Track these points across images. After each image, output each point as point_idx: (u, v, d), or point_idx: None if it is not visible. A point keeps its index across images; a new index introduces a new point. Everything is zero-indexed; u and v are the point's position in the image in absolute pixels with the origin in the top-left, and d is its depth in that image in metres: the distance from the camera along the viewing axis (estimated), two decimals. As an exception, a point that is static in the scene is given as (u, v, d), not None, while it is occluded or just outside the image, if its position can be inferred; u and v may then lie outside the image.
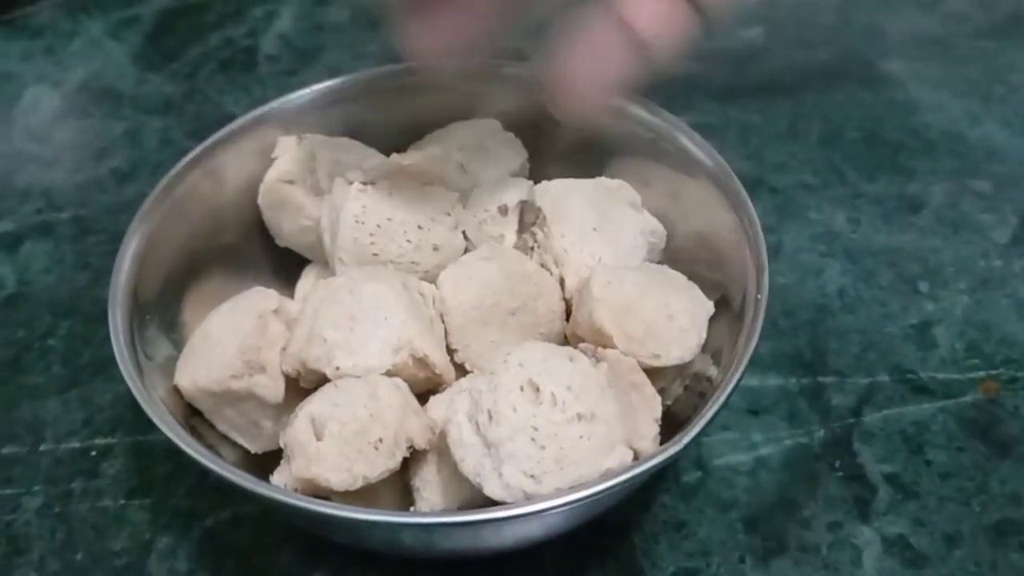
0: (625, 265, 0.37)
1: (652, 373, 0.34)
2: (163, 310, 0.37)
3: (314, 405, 0.32)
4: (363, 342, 0.33)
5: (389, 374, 0.33)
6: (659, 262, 0.40)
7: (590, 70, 0.33)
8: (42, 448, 0.41)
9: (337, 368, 0.33)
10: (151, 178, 0.39)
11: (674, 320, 0.34)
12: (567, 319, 0.37)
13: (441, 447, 0.33)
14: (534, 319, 0.36)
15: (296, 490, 0.32)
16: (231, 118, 0.41)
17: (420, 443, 0.32)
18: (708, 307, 0.35)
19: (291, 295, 0.40)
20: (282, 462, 0.33)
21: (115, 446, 0.41)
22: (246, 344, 0.34)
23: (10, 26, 0.62)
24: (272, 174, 0.40)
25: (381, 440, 0.31)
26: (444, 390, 0.35)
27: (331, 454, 0.31)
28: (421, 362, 0.34)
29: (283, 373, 0.34)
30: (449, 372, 0.35)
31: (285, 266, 0.41)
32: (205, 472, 0.31)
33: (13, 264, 0.48)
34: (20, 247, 0.49)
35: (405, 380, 0.33)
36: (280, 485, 0.32)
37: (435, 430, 0.33)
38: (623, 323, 0.34)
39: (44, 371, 0.44)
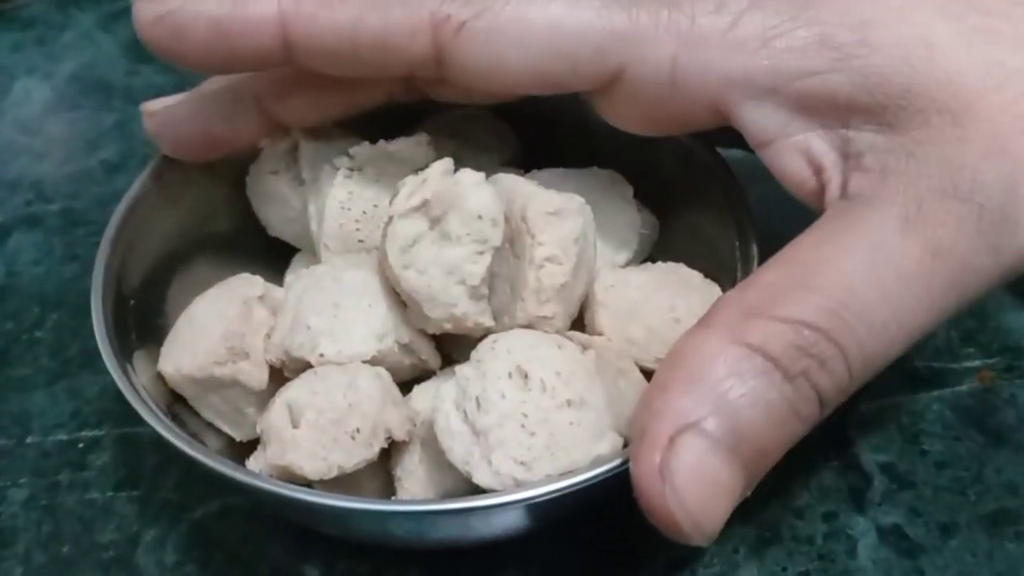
0: (632, 266, 0.37)
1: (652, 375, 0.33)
2: (149, 297, 0.37)
3: (292, 392, 0.32)
4: (347, 329, 0.33)
5: (374, 361, 0.33)
6: (651, 254, 0.40)
7: (691, 489, 0.26)
8: (29, 440, 0.41)
9: (321, 355, 0.32)
10: (141, 170, 0.39)
11: (680, 323, 0.34)
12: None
13: (424, 437, 0.32)
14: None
15: (271, 477, 0.31)
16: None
17: (399, 435, 0.31)
18: None
19: (281, 284, 0.40)
20: (258, 448, 0.33)
21: (102, 438, 0.40)
22: (230, 330, 0.33)
23: (0, 18, 0.61)
24: (256, 165, 0.39)
25: (358, 430, 0.31)
26: (430, 379, 0.34)
27: (306, 442, 0.31)
28: (406, 349, 0.33)
29: (267, 363, 0.34)
30: (435, 359, 0.34)
31: (277, 254, 0.41)
32: (193, 464, 0.31)
33: (1, 256, 0.48)
34: (8, 239, 0.49)
35: (390, 368, 0.33)
36: (255, 471, 0.32)
37: (416, 421, 0.32)
38: (624, 328, 0.34)
39: (31, 363, 0.43)
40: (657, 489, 0.26)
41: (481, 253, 0.32)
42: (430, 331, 0.33)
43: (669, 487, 0.26)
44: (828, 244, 0.27)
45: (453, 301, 0.32)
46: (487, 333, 0.32)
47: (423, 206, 0.32)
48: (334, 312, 0.33)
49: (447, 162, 0.33)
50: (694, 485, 0.26)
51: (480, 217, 0.31)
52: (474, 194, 0.32)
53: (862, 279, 0.26)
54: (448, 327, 0.33)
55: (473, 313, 0.32)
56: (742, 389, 0.26)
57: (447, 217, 0.32)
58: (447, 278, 0.32)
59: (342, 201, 0.36)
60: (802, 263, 0.27)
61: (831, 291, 0.26)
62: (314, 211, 0.37)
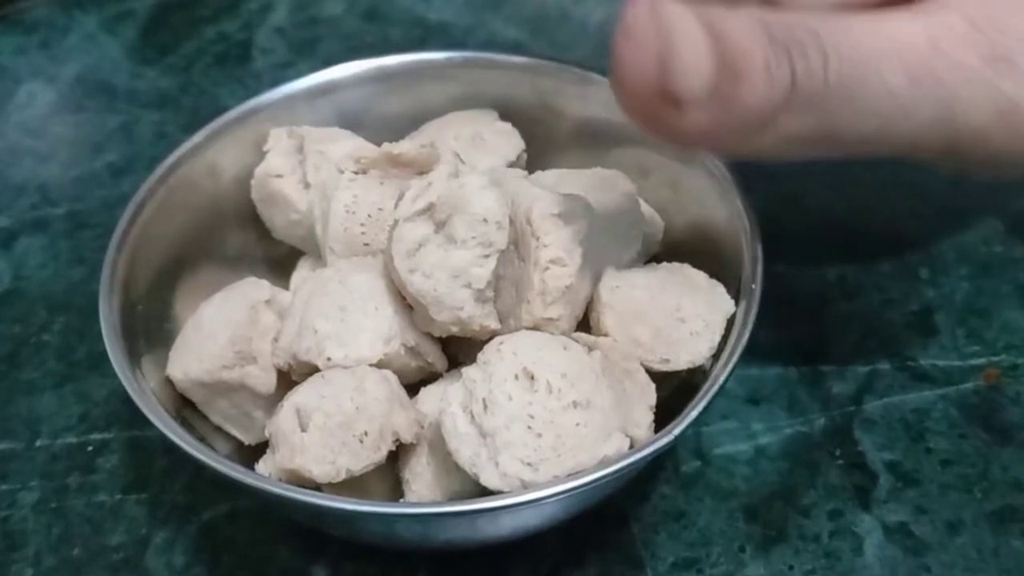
0: (637, 266, 0.37)
1: (659, 377, 0.34)
2: (156, 301, 0.37)
3: (300, 396, 0.32)
4: (354, 333, 0.33)
5: (381, 364, 0.33)
6: (657, 253, 0.40)
7: (645, 60, 0.27)
8: (38, 443, 0.41)
9: (328, 359, 0.32)
10: (146, 172, 0.39)
11: (685, 324, 0.34)
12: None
13: (431, 439, 0.32)
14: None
15: (280, 480, 0.31)
16: (226, 111, 0.41)
17: (406, 437, 0.32)
18: (727, 308, 0.35)
19: (287, 287, 0.40)
20: (267, 451, 0.33)
21: (111, 441, 0.41)
22: (237, 335, 0.34)
23: (4, 21, 0.61)
24: (261, 168, 0.39)
25: (366, 433, 0.31)
26: (437, 381, 0.35)
27: (315, 446, 0.31)
28: (413, 351, 0.33)
29: (274, 366, 0.34)
30: (441, 361, 0.35)
31: (281, 258, 0.41)
32: (202, 467, 0.31)
33: (8, 259, 0.48)
34: (15, 242, 0.49)
35: (397, 370, 0.33)
36: (264, 474, 0.32)
37: (423, 423, 0.33)
38: (630, 328, 0.34)
39: (39, 366, 0.43)
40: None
41: (486, 256, 0.32)
42: (436, 334, 0.33)
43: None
44: (867, 14, 0.29)
45: (459, 304, 0.32)
46: (493, 335, 0.33)
47: (428, 209, 0.32)
48: (341, 316, 0.33)
49: (452, 165, 0.34)
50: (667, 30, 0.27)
51: (485, 220, 0.32)
52: (479, 197, 0.32)
53: (869, 32, 0.28)
54: (454, 330, 0.33)
55: (479, 316, 0.32)
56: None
57: (452, 220, 0.32)
58: (453, 281, 0.32)
59: (347, 204, 0.36)
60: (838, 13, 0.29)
61: (839, 23, 0.28)
62: (319, 214, 0.37)
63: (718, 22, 0.27)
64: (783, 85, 0.27)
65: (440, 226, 0.32)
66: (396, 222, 0.33)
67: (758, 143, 0.28)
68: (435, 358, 0.34)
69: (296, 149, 0.39)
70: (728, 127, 0.28)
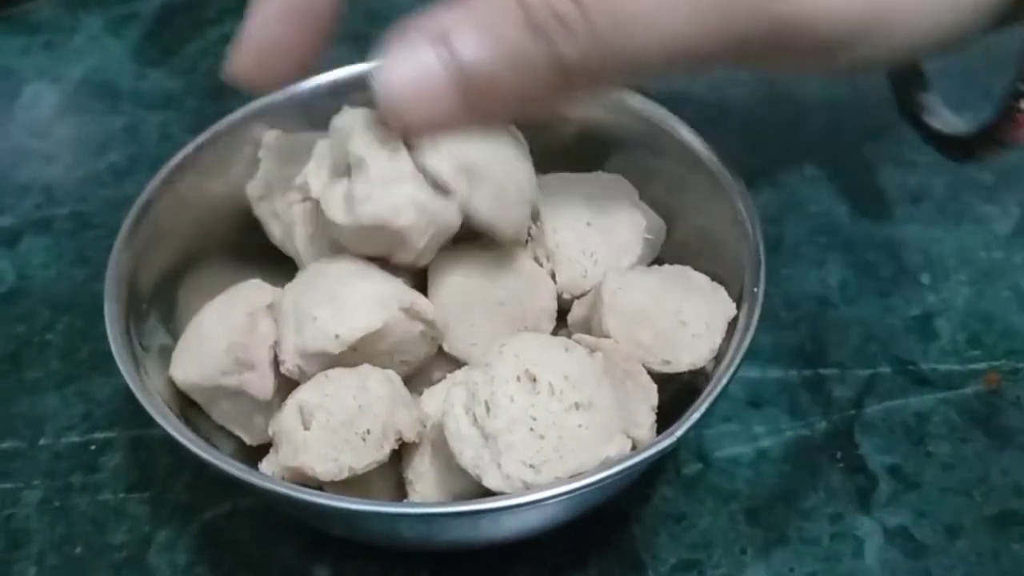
0: (639, 268, 0.37)
1: (660, 379, 0.34)
2: (161, 301, 0.37)
3: (303, 394, 0.32)
4: (352, 308, 0.32)
5: (385, 333, 0.32)
6: (658, 257, 0.40)
7: (403, 84, 0.29)
8: (41, 442, 0.41)
9: (336, 336, 0.32)
10: (150, 173, 0.39)
11: (687, 326, 0.34)
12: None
13: (435, 440, 0.33)
14: (521, 313, 0.36)
15: (283, 478, 0.31)
16: (230, 113, 0.41)
17: (409, 436, 0.32)
18: (728, 310, 0.35)
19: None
20: (271, 450, 0.33)
21: (114, 440, 0.41)
22: (235, 342, 0.33)
23: (9, 22, 0.62)
24: (248, 188, 0.39)
25: (369, 432, 0.31)
26: (438, 381, 0.35)
27: (317, 444, 0.31)
28: (411, 313, 0.33)
29: (285, 373, 0.34)
30: (439, 324, 0.35)
31: (287, 257, 0.41)
32: (204, 466, 0.31)
33: (12, 259, 0.48)
34: (19, 242, 0.49)
35: (401, 341, 0.33)
36: (268, 473, 0.32)
37: (426, 423, 0.33)
38: (632, 330, 0.34)
39: (43, 366, 0.44)
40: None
41: (397, 151, 0.32)
42: (411, 258, 0.33)
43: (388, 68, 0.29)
44: None
45: (408, 198, 0.32)
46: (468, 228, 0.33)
47: (332, 167, 0.33)
48: (332, 298, 0.33)
49: (323, 147, 0.34)
50: (408, 82, 0.29)
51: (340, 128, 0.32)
52: (339, 120, 0.33)
53: None
54: (421, 223, 0.32)
55: (433, 201, 0.32)
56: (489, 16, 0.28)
57: (348, 152, 0.32)
58: (393, 186, 0.32)
59: (309, 234, 0.36)
60: None
61: None
62: (288, 238, 0.38)
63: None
64: (546, 66, 0.28)
65: (348, 170, 0.32)
66: (316, 202, 0.33)
67: (574, 99, 0.30)
68: (434, 315, 0.34)
69: (280, 164, 0.39)
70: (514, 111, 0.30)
